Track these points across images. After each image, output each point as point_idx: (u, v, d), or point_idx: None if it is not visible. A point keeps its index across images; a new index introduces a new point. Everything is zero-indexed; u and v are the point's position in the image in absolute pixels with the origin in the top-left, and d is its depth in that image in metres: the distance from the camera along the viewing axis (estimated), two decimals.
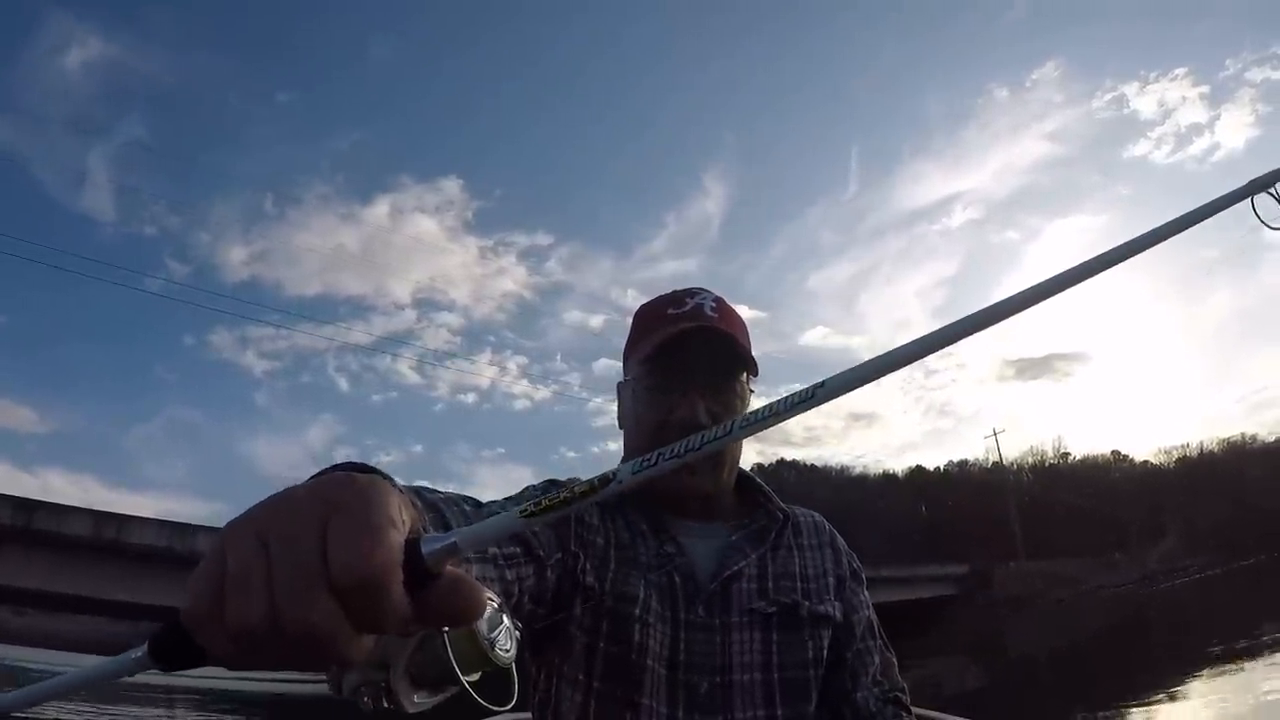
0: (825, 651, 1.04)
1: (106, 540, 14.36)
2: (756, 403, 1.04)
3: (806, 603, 1.04)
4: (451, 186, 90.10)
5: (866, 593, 1.16)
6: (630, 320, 1.18)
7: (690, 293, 1.11)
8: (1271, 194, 0.65)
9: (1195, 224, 0.61)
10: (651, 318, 1.12)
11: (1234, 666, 14.65)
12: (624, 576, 0.98)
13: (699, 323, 1.05)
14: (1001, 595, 35.34)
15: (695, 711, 0.94)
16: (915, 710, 1.10)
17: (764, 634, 1.00)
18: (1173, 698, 13.27)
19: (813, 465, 61.33)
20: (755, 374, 1.08)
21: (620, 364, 1.20)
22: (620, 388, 1.16)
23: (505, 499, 0.90)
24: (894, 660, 1.14)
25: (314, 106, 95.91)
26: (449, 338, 76.76)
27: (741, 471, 1.15)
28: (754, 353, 1.08)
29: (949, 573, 35.17)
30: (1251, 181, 0.65)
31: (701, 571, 1.02)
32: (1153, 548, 42.77)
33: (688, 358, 1.04)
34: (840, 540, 1.18)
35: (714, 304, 1.09)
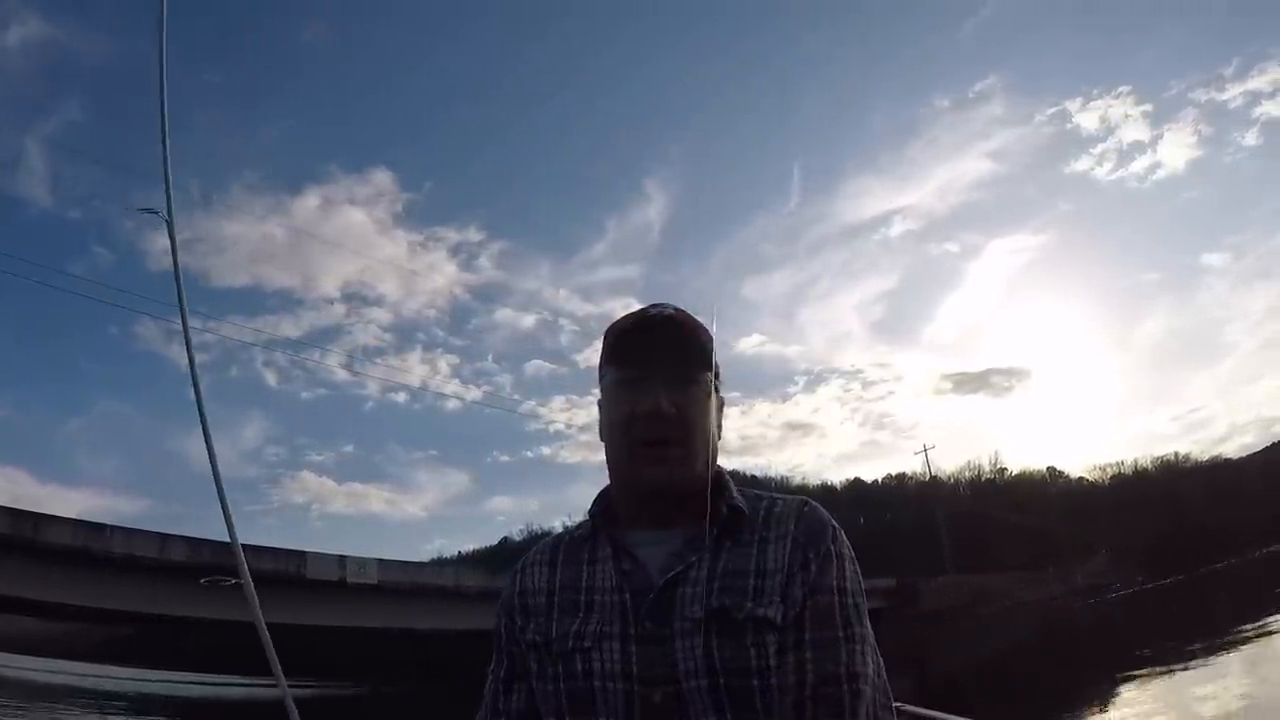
0: (773, 659, 0.94)
1: (23, 539, 13.91)
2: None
3: (749, 604, 0.96)
4: (382, 178, 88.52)
5: (834, 579, 0.99)
6: (601, 341, 1.19)
7: (654, 305, 1.13)
8: None
9: None
10: (617, 327, 1.13)
11: (1151, 681, 15.24)
12: (564, 616, 1.04)
13: (661, 313, 1.09)
14: (927, 608, 35.95)
15: None
16: (909, 709, 0.98)
17: (704, 639, 0.95)
18: (1088, 709, 13.79)
19: (752, 475, 61.55)
20: (717, 376, 1.09)
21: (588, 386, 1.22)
22: (600, 404, 1.17)
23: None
24: (851, 660, 0.94)
25: (244, 91, 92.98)
26: (379, 334, 75.10)
27: (719, 470, 1.09)
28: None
29: (876, 586, 35.59)
30: None
31: (654, 581, 1.01)
32: (1083, 563, 44.04)
33: (651, 345, 1.06)
34: (809, 524, 1.03)
35: (676, 309, 1.11)
